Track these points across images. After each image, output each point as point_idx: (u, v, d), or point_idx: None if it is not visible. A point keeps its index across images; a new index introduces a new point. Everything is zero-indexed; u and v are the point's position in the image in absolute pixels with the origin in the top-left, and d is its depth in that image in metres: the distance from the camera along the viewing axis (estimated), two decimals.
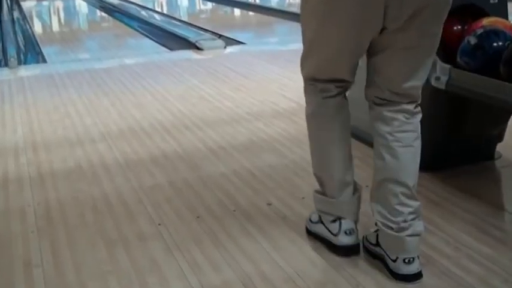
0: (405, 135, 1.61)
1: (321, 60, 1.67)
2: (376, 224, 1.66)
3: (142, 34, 6.97)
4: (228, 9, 9.44)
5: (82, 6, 10.89)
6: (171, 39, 6.30)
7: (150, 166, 2.57)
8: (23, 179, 2.50)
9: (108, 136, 3.01)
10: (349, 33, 1.55)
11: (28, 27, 8.02)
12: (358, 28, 1.53)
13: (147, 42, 6.39)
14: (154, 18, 8.39)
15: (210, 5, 10.23)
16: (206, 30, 6.52)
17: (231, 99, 3.65)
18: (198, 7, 9.97)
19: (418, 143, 1.63)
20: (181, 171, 2.50)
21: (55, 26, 8.85)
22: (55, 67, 4.96)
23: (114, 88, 4.08)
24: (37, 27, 8.26)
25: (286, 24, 7.31)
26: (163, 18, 8.36)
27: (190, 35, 6.12)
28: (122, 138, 2.97)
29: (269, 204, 2.14)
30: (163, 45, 5.97)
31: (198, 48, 5.41)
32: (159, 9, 10.05)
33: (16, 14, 9.53)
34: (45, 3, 12.16)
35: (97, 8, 10.10)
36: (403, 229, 1.60)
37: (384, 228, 1.63)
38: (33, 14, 10.20)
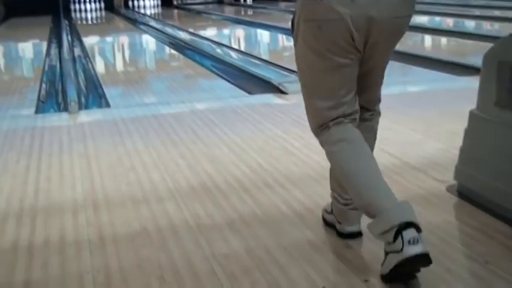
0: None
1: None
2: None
3: (217, 75, 7.17)
4: None
5: (149, 43, 11.37)
6: (250, 80, 6.44)
7: (225, 231, 2.61)
8: (81, 242, 2.59)
9: (178, 194, 3.09)
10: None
11: (90, 66, 8.43)
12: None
13: (223, 84, 6.57)
14: (231, 56, 8.62)
15: (291, 40, 10.41)
16: (291, 71, 6.62)
17: (320, 153, 3.63)
18: (281, 44, 10.16)
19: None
20: (261, 238, 2.52)
21: (119, 65, 9.26)
22: (119, 112, 5.17)
23: (184, 137, 4.21)
24: (100, 67, 8.67)
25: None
26: (241, 56, 8.58)
27: (273, 76, 6.24)
28: (193, 197, 3.04)
29: (366, 280, 2.11)
30: (241, 88, 6.12)
31: (282, 92, 5.50)
32: (236, 46, 10.33)
33: (77, 51, 10.06)
34: (108, 39, 12.82)
35: (166, 44, 10.51)
36: (347, 204, 2.44)
37: (335, 201, 2.50)
38: (96, 51, 10.73)
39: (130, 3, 19.85)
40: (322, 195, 2.92)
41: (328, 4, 2.13)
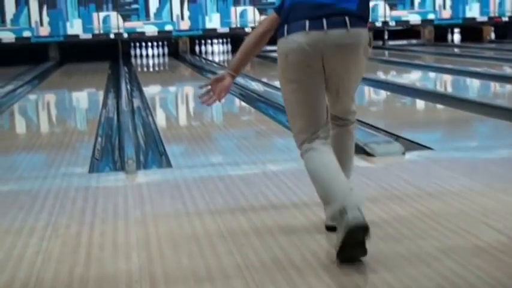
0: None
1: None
2: None
3: None
4: (407, 100, 9.54)
5: None
6: None
7: None
8: None
9: (247, 271, 3.09)
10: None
11: (150, 119, 8.61)
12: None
13: None
14: None
15: (383, 93, 10.41)
16: (378, 129, 6.61)
17: (411, 227, 3.62)
18: (367, 96, 10.17)
19: None
20: None
21: (183, 119, 9.44)
22: (181, 173, 5.26)
23: (254, 203, 4.24)
24: (161, 120, 8.84)
25: (489, 122, 7.21)
26: None
27: (357, 134, 6.22)
28: (265, 275, 3.03)
29: None
30: None
31: (367, 154, 5.49)
32: None
33: (137, 102, 10.32)
34: (172, 88, 13.14)
35: (236, 96, 10.61)
36: None
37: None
38: (157, 102, 11.00)
39: (197, 48, 20.20)
40: (415, 277, 2.87)
41: (291, 37, 3.33)
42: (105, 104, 10.03)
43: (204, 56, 19.61)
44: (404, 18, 19.95)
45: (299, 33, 3.30)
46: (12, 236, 3.79)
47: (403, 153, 5.52)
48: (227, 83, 3.68)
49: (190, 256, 3.32)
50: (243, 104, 10.03)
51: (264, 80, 12.39)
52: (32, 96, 11.98)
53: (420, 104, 9.29)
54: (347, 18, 3.35)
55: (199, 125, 8.33)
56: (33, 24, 18.20)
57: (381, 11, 19.99)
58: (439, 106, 8.75)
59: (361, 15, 3.44)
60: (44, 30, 18.34)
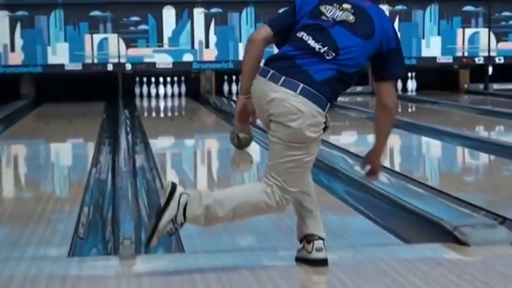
0: None
1: None
2: None
3: (353, 207, 7.19)
4: None
5: (246, 151, 11.34)
6: (406, 219, 6.42)
7: None
8: None
9: None
10: None
11: (158, 184, 8.60)
12: None
13: (361, 223, 6.60)
14: (380, 180, 8.56)
15: (484, 157, 10.34)
16: (476, 208, 6.55)
17: None
18: (460, 162, 10.12)
19: None
20: None
21: (202, 185, 9.38)
22: (197, 260, 5.27)
23: None
24: None
25: None
26: (393, 179, 8.53)
27: (445, 214, 6.19)
28: None
29: None
30: (391, 232, 6.17)
31: (459, 242, 5.44)
32: (386, 163, 10.31)
33: (140, 159, 10.36)
34: (188, 142, 13.17)
35: None
36: None
37: None
38: (168, 161, 11.05)
39: (225, 87, 20.13)
40: None
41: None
42: (96, 162, 10.11)
43: (234, 98, 19.43)
44: None
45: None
46: None
47: (511, 244, 5.46)
48: (251, 108, 4.80)
49: None
50: None
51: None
52: None
53: None
54: (301, 85, 4.53)
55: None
56: (0, 49, 18.39)
57: (484, 42, 20.08)
58: None
59: (319, 90, 4.53)
60: (16, 58, 18.58)
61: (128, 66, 18.80)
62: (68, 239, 6.02)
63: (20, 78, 18.75)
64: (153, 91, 19.61)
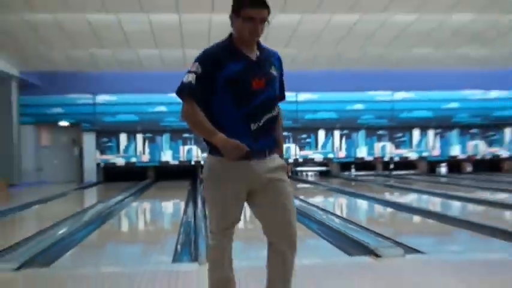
0: None
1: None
2: None
3: (321, 237, 7.15)
4: (406, 215, 9.40)
5: None
6: (348, 243, 6.40)
7: None
8: None
9: None
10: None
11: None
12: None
13: (325, 245, 6.54)
14: (333, 221, 8.54)
15: (388, 210, 10.27)
16: (386, 238, 6.51)
17: None
18: (377, 212, 10.06)
19: None
20: None
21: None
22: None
23: None
24: None
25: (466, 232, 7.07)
26: (342, 221, 8.47)
27: (369, 240, 6.16)
28: None
29: None
30: (341, 249, 6.08)
31: (376, 255, 5.39)
32: (338, 212, 10.29)
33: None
34: None
35: None
36: None
37: None
38: None
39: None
40: None
41: None
42: (185, 212, 10.09)
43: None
44: (405, 155, 20.25)
45: None
46: None
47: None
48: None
49: None
50: None
51: (301, 197, 12.29)
52: (134, 204, 12.17)
53: (416, 218, 9.15)
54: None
55: (253, 228, 8.17)
56: (138, 153, 18.98)
57: (388, 150, 20.22)
58: (429, 220, 8.61)
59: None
60: (145, 158, 19.24)
61: (202, 162, 19.19)
62: (172, 252, 6.00)
63: (147, 169, 19.40)
64: None
